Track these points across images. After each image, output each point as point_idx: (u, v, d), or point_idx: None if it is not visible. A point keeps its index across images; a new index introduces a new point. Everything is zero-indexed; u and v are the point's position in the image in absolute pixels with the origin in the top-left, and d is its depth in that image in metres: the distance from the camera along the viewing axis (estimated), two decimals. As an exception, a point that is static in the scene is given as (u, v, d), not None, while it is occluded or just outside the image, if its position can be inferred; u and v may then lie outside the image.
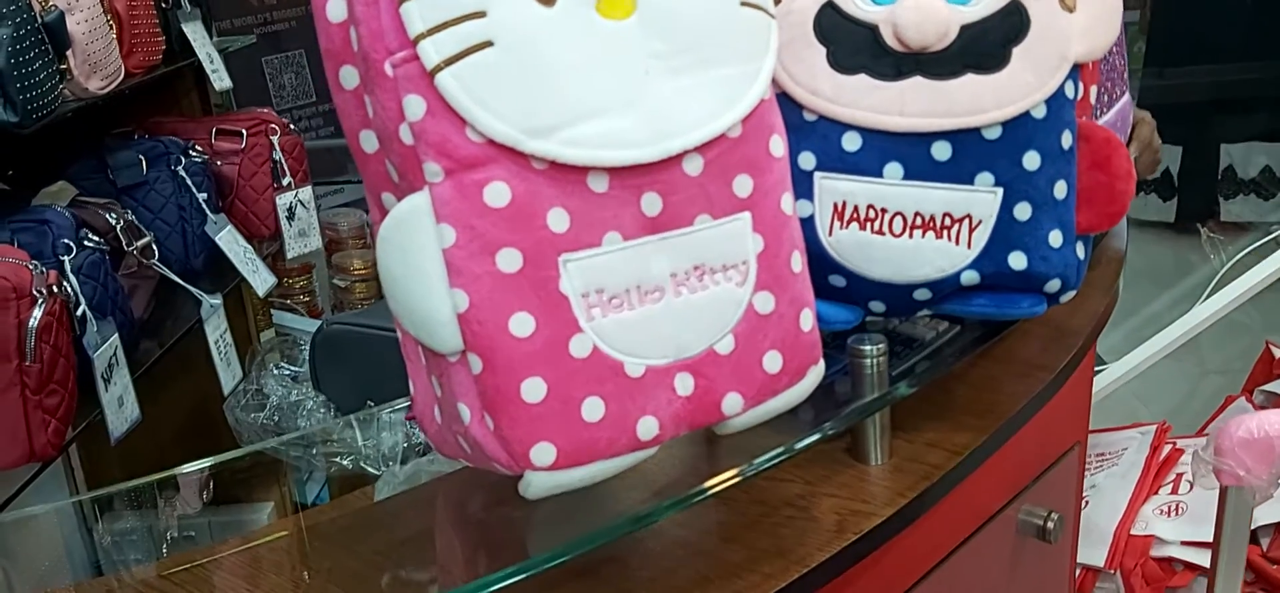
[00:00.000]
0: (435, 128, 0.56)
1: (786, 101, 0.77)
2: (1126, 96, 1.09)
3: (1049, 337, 0.94)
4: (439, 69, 0.55)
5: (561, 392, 0.58)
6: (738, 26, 0.63)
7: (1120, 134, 1.08)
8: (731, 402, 0.64)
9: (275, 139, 1.67)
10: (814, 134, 0.77)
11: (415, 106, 0.56)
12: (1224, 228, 3.34)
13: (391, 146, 0.59)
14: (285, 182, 1.67)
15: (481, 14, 0.56)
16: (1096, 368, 2.32)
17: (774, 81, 0.76)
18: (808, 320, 0.67)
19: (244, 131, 1.65)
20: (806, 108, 0.77)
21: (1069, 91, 0.75)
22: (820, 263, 0.79)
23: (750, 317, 0.64)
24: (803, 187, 0.78)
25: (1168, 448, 1.88)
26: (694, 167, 0.62)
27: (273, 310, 2.03)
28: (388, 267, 0.59)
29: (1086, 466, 1.98)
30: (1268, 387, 2.06)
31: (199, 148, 1.59)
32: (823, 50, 0.76)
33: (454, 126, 0.56)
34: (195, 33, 1.58)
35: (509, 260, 0.57)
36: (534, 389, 0.58)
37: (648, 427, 0.60)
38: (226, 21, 2.79)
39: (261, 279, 1.57)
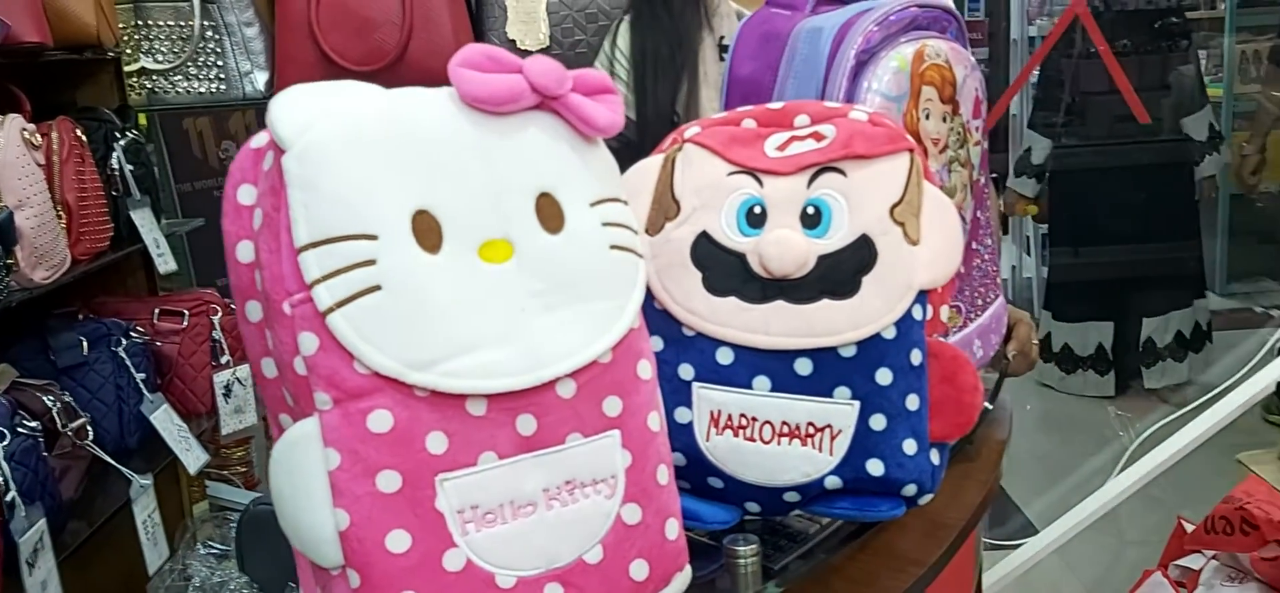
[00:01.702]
0: (326, 362, 0.63)
1: (669, 318, 0.85)
2: (1000, 300, 1.19)
3: (926, 530, 1.00)
4: (331, 310, 0.63)
5: (435, 604, 0.64)
6: (608, 267, 0.71)
7: (995, 336, 1.18)
8: (600, 608, 0.69)
9: (216, 319, 1.73)
10: (692, 348, 0.85)
11: (309, 342, 0.63)
12: (1134, 405, 3.48)
13: (287, 375, 0.65)
14: (224, 360, 1.73)
15: (371, 262, 0.63)
16: (1024, 539, 2.39)
17: (657, 299, 0.85)
18: (673, 530, 0.73)
19: (186, 312, 1.71)
20: (686, 325, 0.85)
21: (917, 314, 0.84)
22: (699, 466, 0.85)
23: (618, 528, 0.70)
24: (683, 395, 0.85)
25: (1086, 625, 1.93)
26: (567, 390, 0.68)
27: (207, 482, 2.04)
28: (278, 486, 0.65)
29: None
30: (1181, 562, 2.12)
31: (140, 329, 1.64)
32: (698, 274, 0.84)
33: (343, 361, 0.63)
34: (143, 219, 1.65)
35: (388, 481, 0.63)
36: (408, 602, 0.63)
37: (517, 636, 0.65)
38: (187, 185, 2.87)
39: (193, 457, 1.60)
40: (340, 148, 0.64)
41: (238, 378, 1.73)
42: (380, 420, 0.63)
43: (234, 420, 1.72)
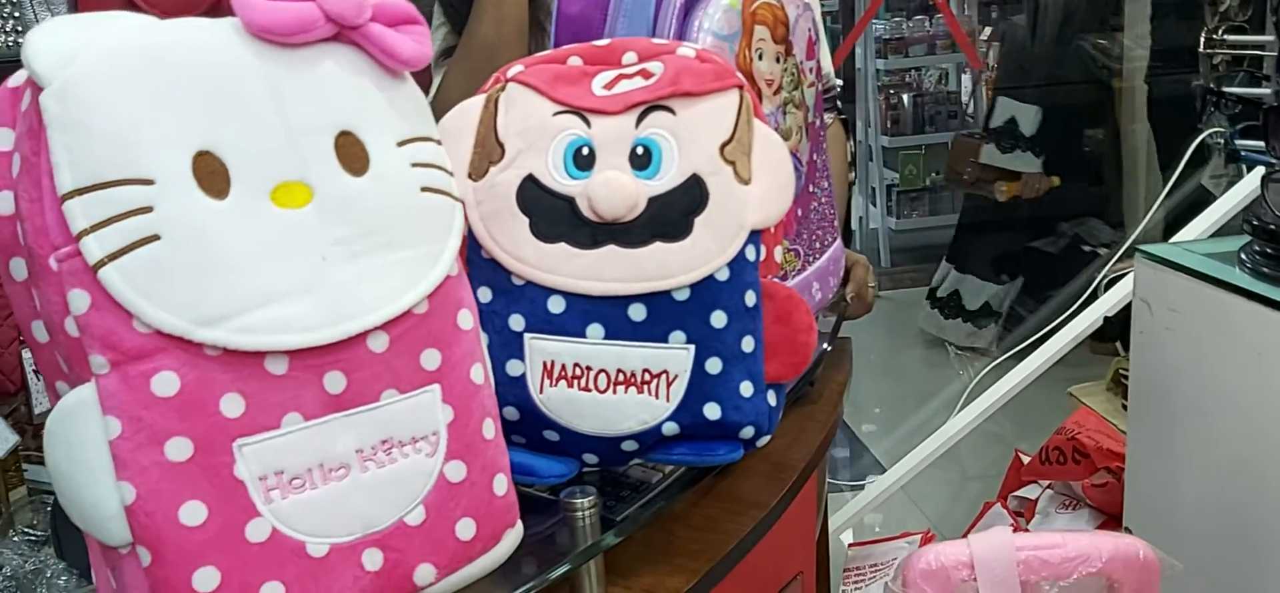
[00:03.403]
0: (100, 321, 0.57)
1: (497, 267, 0.81)
2: (838, 243, 1.19)
3: (768, 473, 1.00)
4: (102, 264, 0.56)
5: (237, 579, 0.59)
6: (419, 211, 0.67)
7: (833, 278, 1.18)
8: (423, 573, 0.65)
9: (24, 292, 1.59)
10: (523, 298, 0.81)
11: (80, 301, 0.57)
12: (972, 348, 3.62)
13: (59, 338, 0.59)
14: (35, 335, 1.60)
15: (148, 209, 0.57)
16: (873, 477, 2.47)
17: (484, 248, 0.81)
18: (501, 485, 0.70)
19: (-12, 285, 1.58)
20: (515, 274, 0.81)
21: (750, 255, 0.82)
22: (534, 419, 0.82)
23: (442, 486, 0.66)
24: (515, 347, 0.81)
25: (931, 556, 1.99)
26: (379, 344, 0.64)
27: (26, 465, 1.90)
28: (53, 460, 0.58)
29: (862, 576, 2.07)
30: (1019, 493, 2.22)
31: (-66, 304, 1.50)
32: (526, 221, 0.80)
33: (120, 319, 0.57)
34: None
35: (178, 449, 0.58)
36: (207, 579, 0.58)
37: (331, 606, 0.61)
38: None
39: (1, 440, 1.48)
40: (107, 83, 0.57)
41: (50, 354, 1.60)
42: (165, 383, 0.57)
43: (46, 399, 1.59)
